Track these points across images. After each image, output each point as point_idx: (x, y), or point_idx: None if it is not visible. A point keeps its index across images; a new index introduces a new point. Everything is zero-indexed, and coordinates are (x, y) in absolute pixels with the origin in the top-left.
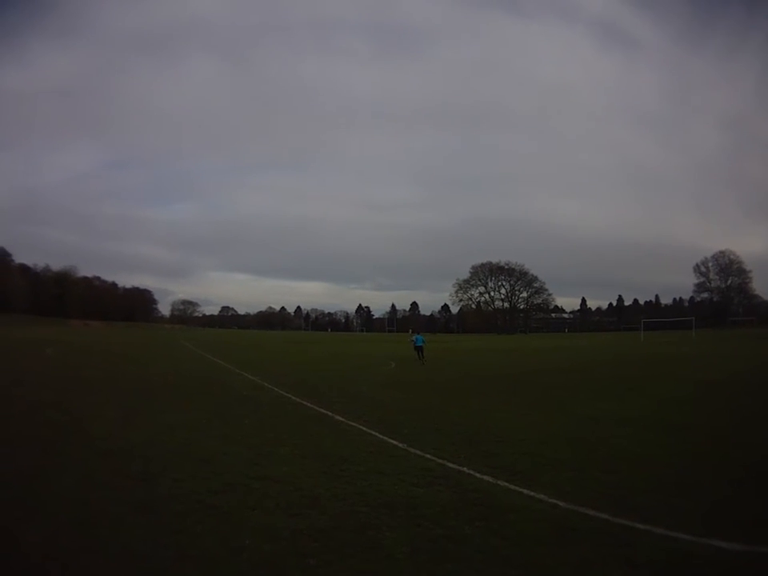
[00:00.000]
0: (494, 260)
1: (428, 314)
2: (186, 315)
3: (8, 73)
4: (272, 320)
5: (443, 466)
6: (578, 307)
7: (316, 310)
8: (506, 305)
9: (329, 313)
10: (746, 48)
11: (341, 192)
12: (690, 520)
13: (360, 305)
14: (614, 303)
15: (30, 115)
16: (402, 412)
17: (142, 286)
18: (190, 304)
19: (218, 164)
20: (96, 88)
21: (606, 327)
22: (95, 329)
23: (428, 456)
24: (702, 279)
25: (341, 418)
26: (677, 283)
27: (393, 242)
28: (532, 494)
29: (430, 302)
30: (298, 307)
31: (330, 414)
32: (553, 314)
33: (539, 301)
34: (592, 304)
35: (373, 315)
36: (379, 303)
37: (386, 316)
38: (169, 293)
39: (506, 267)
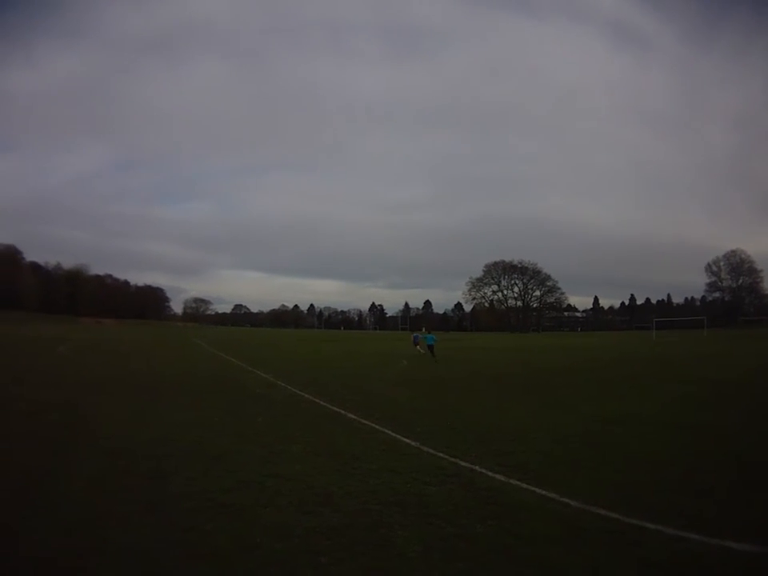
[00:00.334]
0: (507, 259)
1: (441, 312)
2: (198, 313)
3: (17, 74)
4: (285, 318)
5: (456, 464)
6: (591, 306)
7: (329, 308)
8: (519, 303)
9: (342, 311)
10: (754, 48)
11: (354, 191)
12: (700, 520)
13: (373, 303)
14: (626, 302)
15: (40, 116)
16: (415, 410)
17: (154, 284)
18: (202, 302)
19: (231, 164)
20: (107, 88)
21: (619, 326)
22: (107, 327)
23: (440, 454)
24: (713, 279)
25: (353, 416)
26: (688, 282)
27: (406, 241)
28: (544, 492)
29: (444, 300)
30: (311, 305)
31: (342, 411)
32: (565, 313)
33: (552, 299)
34: (604, 303)
35: (386, 313)
36: (392, 301)
37: (400, 314)
38: (181, 291)
39: (519, 266)
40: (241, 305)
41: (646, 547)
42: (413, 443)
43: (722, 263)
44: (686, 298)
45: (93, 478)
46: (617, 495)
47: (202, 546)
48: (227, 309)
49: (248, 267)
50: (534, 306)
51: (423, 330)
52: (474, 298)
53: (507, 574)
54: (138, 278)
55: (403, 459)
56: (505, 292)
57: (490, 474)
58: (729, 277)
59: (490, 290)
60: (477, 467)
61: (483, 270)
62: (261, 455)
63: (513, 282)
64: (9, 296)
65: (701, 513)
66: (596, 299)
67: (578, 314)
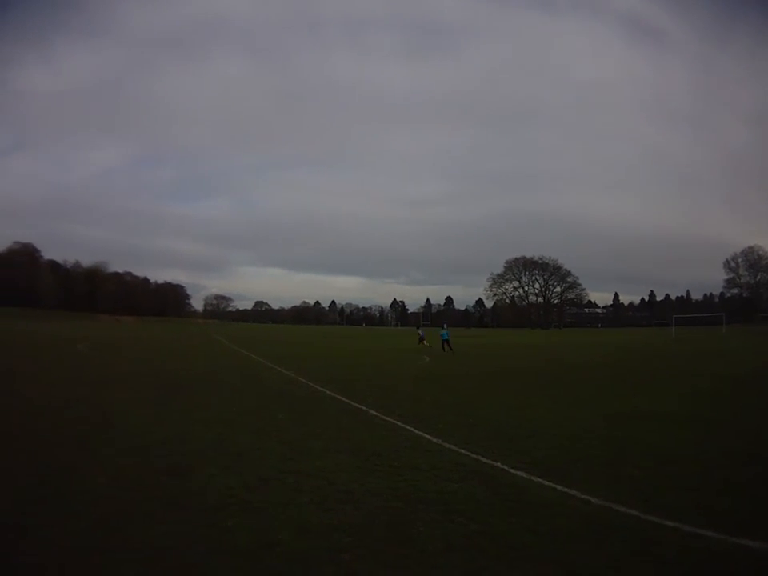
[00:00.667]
0: (528, 254)
1: (462, 308)
2: (218, 310)
3: (36, 72)
4: (306, 315)
5: (477, 460)
6: (611, 302)
7: (350, 304)
8: (540, 299)
9: (363, 307)
10: None
11: (374, 187)
12: (718, 518)
13: (395, 299)
14: (646, 298)
15: (59, 114)
16: (437, 406)
17: (174, 281)
18: (223, 299)
19: (251, 160)
20: (126, 86)
21: (638, 322)
22: (127, 324)
23: (462, 451)
24: (731, 275)
25: (375, 413)
26: (707, 279)
27: (427, 237)
28: (565, 489)
29: (465, 296)
30: (333, 302)
31: (364, 408)
32: (586, 309)
33: (573, 296)
34: (624, 299)
35: (407, 310)
36: (413, 298)
37: (421, 310)
38: (201, 287)
39: (540, 262)
40: (262, 301)
41: (663, 545)
42: (435, 440)
43: (739, 259)
44: (705, 294)
45: (114, 474)
46: (636, 492)
47: (224, 543)
48: (248, 305)
49: (269, 264)
50: (555, 302)
51: (444, 326)
52: (495, 295)
53: (528, 572)
54: (158, 275)
55: (425, 456)
56: (526, 288)
57: (511, 470)
58: (747, 273)
59: (511, 286)
60: (498, 464)
61: (504, 266)
62: (282, 452)
63: (534, 278)
64: (27, 294)
65: (718, 510)
66: (616, 295)
67: (599, 311)
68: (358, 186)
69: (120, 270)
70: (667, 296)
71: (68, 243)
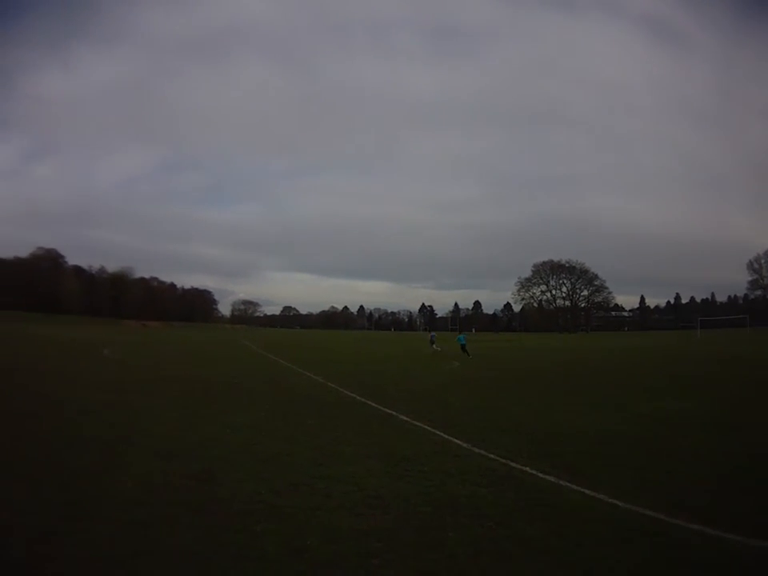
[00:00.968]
0: (556, 258)
1: (491, 312)
2: (246, 315)
3: (62, 79)
4: (335, 320)
5: (507, 465)
6: (637, 305)
7: (379, 309)
8: (567, 303)
9: (392, 312)
10: None
11: (402, 192)
12: (743, 521)
13: (423, 304)
14: (672, 301)
15: (85, 120)
16: (466, 411)
17: (201, 287)
18: (250, 304)
19: (279, 166)
20: (154, 92)
21: (664, 325)
22: (153, 329)
23: (492, 456)
24: (755, 276)
25: (405, 418)
26: (732, 280)
27: (455, 241)
28: (593, 494)
29: (493, 300)
30: (361, 307)
31: (394, 413)
32: (612, 313)
33: (599, 299)
34: (650, 302)
35: (436, 314)
36: (441, 302)
37: (449, 315)
38: (229, 293)
39: (567, 265)
40: (290, 306)
41: (689, 548)
42: (464, 444)
43: (763, 260)
44: (729, 296)
45: (142, 478)
46: (662, 496)
47: (252, 548)
48: (276, 311)
49: (297, 269)
50: (582, 305)
51: (473, 330)
52: (523, 299)
53: None
54: (185, 280)
55: (455, 461)
56: (553, 292)
57: (540, 475)
58: None
59: (539, 290)
60: (528, 468)
61: (532, 270)
62: (311, 457)
63: (561, 281)
64: (51, 299)
65: (744, 513)
66: (642, 298)
67: (625, 314)
68: (385, 191)
69: (146, 276)
70: (692, 298)
71: (93, 249)
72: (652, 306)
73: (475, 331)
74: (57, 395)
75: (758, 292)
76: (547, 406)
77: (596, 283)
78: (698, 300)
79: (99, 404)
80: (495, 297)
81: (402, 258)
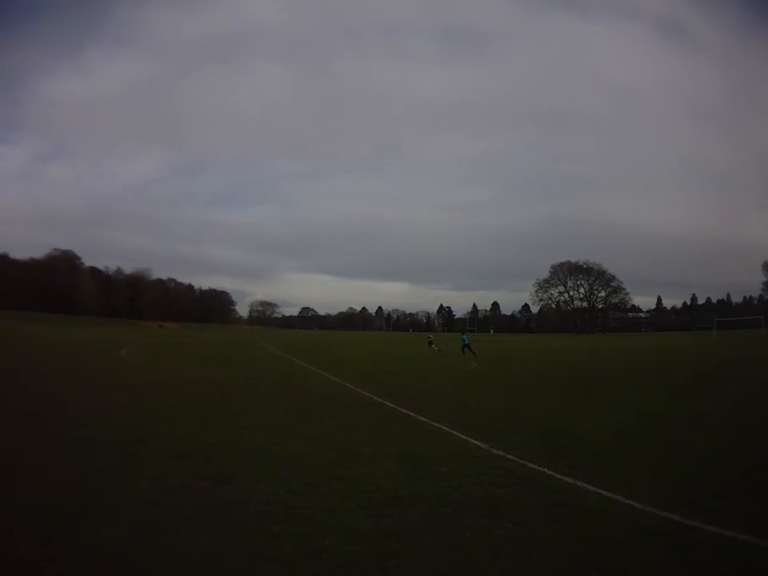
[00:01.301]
0: (573, 259)
1: (509, 313)
2: (264, 316)
3: (77, 82)
4: (353, 321)
5: (525, 466)
6: (654, 306)
7: (397, 310)
8: (585, 304)
9: (410, 313)
10: None
11: (419, 193)
12: (759, 523)
13: (441, 305)
14: (688, 302)
15: (100, 122)
16: (485, 412)
17: (219, 288)
18: (268, 305)
19: (297, 168)
20: (168, 95)
21: (681, 326)
22: (170, 330)
23: (510, 457)
24: None
25: (423, 419)
26: (747, 281)
27: (472, 242)
28: (609, 495)
29: (511, 301)
30: (379, 308)
31: (412, 414)
32: (630, 314)
33: (617, 300)
34: (667, 303)
35: (454, 315)
36: (459, 303)
37: (467, 316)
38: (247, 294)
39: (585, 266)
40: (308, 308)
41: (704, 550)
42: (482, 445)
43: None
44: (744, 297)
45: (158, 480)
46: (678, 497)
47: (269, 549)
48: (294, 312)
49: (315, 270)
50: (600, 306)
51: (491, 331)
52: (540, 300)
53: None
54: (203, 281)
55: (473, 462)
56: (571, 293)
57: (558, 476)
58: None
59: (557, 291)
60: (545, 469)
61: (549, 271)
62: (329, 458)
63: (578, 282)
64: (67, 300)
65: (760, 515)
66: (659, 299)
67: (642, 315)
68: (403, 193)
69: (164, 277)
70: (708, 299)
71: (109, 251)
72: (669, 307)
73: (492, 332)
74: (72, 396)
75: None
76: (564, 407)
77: (613, 284)
78: (714, 301)
79: (115, 404)
80: (513, 298)
81: (421, 260)
